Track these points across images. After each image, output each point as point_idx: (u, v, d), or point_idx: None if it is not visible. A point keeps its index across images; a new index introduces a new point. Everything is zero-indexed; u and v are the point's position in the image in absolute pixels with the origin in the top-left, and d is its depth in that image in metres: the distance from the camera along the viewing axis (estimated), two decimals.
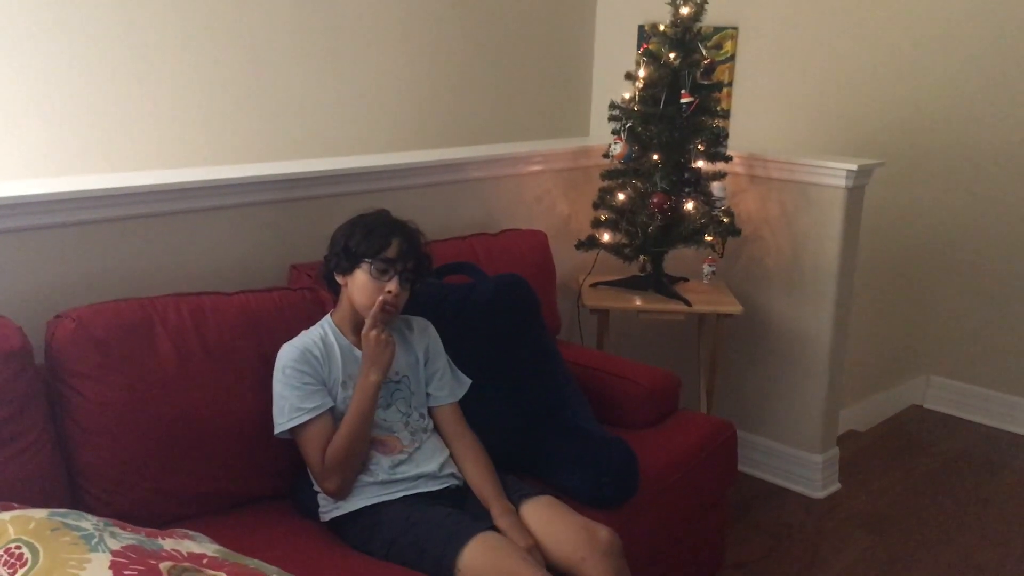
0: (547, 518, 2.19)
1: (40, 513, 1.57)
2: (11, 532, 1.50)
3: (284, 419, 2.17)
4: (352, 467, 2.17)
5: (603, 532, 2.16)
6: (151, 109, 3.41)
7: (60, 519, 1.56)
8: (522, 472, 2.41)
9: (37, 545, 1.48)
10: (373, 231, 2.22)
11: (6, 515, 1.55)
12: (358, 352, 2.25)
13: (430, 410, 2.35)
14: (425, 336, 2.39)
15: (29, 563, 1.45)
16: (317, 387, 2.19)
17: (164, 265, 2.45)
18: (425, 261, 2.28)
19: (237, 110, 3.64)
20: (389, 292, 2.18)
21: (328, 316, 2.31)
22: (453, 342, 2.46)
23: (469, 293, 2.62)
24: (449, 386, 2.37)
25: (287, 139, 3.76)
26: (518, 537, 2.10)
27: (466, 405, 2.39)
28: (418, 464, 2.23)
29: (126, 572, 1.46)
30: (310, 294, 2.46)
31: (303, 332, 2.28)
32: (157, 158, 3.40)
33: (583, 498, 2.36)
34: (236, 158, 3.49)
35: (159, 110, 3.43)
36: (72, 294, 2.23)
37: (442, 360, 2.39)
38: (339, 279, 2.26)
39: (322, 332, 2.26)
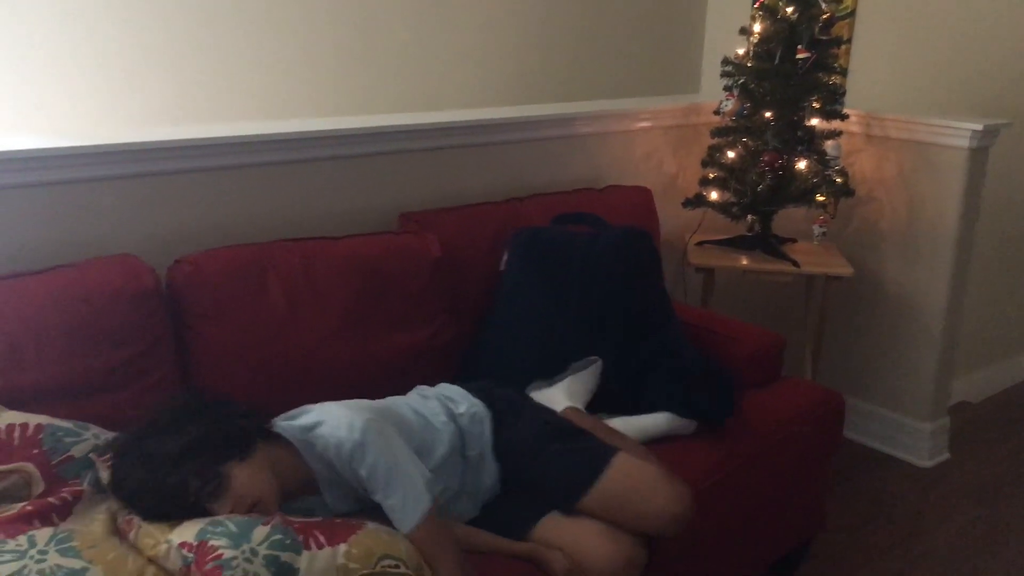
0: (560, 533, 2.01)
1: None
2: None
3: None
4: None
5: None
6: (261, 62, 3.49)
7: None
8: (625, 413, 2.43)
9: None
10: (162, 502, 1.70)
11: None
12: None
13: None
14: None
15: None
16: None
17: (278, 212, 2.52)
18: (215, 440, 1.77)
19: (344, 63, 3.67)
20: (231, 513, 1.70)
21: None
22: (579, 287, 2.53)
23: (595, 240, 2.63)
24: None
25: (393, 92, 3.79)
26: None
27: (584, 350, 2.46)
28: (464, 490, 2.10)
29: None
30: (415, 238, 2.51)
31: None
32: (263, 110, 3.48)
33: (676, 410, 2.37)
34: (343, 111, 3.53)
35: (267, 63, 3.50)
36: (190, 239, 2.32)
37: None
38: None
39: None
